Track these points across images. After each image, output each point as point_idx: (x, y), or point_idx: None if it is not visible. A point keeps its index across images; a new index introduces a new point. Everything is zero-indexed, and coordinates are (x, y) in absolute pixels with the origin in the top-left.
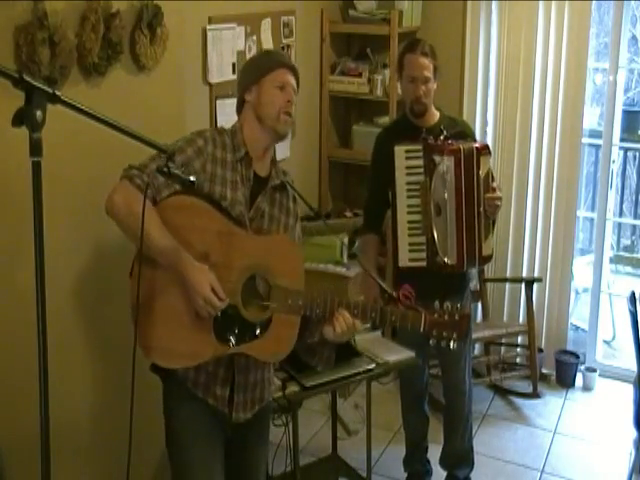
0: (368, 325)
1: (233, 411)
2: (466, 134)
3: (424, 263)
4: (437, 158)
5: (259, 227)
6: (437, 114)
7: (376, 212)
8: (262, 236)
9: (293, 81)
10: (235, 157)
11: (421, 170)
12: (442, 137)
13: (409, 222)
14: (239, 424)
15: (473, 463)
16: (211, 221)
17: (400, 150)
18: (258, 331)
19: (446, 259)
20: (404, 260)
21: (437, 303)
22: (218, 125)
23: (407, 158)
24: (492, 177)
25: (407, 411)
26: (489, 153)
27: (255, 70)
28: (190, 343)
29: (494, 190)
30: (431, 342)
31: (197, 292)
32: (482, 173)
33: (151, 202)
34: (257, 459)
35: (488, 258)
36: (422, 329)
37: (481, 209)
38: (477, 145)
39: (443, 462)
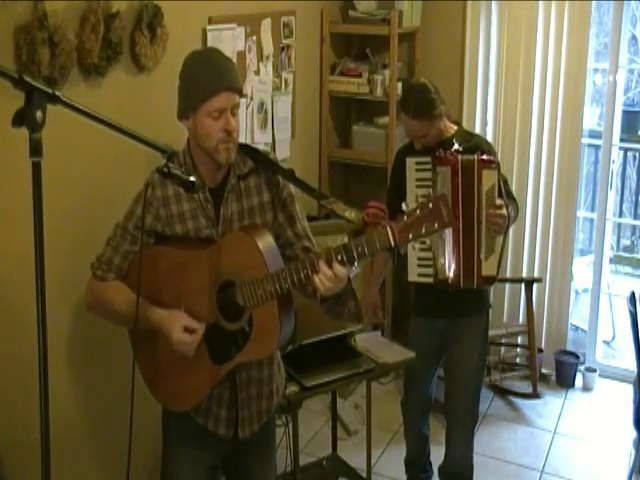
0: (367, 324)
1: (239, 428)
2: (481, 148)
3: (431, 280)
4: (439, 169)
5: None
6: (453, 128)
7: None
8: (215, 244)
9: (233, 100)
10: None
11: (430, 183)
12: (453, 149)
13: None
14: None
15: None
16: (173, 258)
17: (411, 162)
18: (245, 335)
19: (443, 274)
20: (413, 275)
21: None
22: None
23: (417, 170)
24: (500, 193)
25: (409, 426)
26: (495, 168)
27: (191, 95)
28: (193, 379)
29: (499, 207)
30: (417, 246)
31: (171, 340)
32: (485, 187)
33: (118, 277)
34: (263, 470)
35: (489, 279)
36: (392, 243)
37: (482, 225)
38: (480, 157)
39: (441, 474)
